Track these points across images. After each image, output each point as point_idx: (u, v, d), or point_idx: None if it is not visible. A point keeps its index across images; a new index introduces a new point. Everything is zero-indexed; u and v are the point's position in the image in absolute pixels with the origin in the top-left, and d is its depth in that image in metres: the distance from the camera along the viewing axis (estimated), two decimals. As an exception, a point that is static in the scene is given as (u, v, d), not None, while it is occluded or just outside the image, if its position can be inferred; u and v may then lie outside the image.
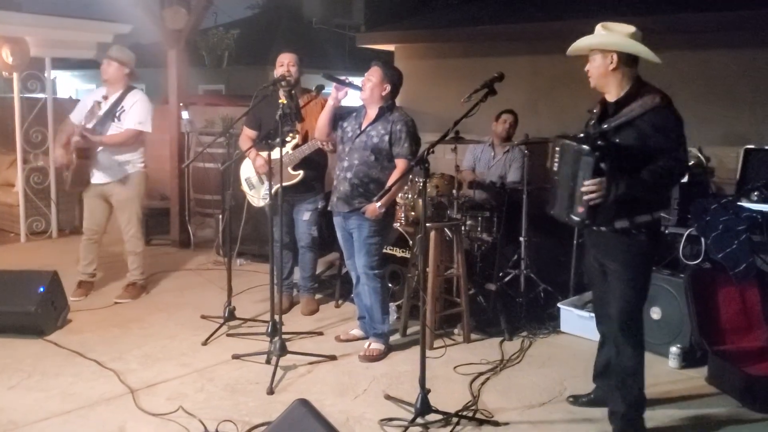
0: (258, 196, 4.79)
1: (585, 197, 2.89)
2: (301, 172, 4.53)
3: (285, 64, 4.57)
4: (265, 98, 4.42)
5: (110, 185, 4.98)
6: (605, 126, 3.02)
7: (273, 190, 4.11)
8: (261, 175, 4.70)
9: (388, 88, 3.98)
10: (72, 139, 4.83)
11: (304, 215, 4.72)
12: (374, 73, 3.95)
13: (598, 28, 3.04)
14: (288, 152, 4.50)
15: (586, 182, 2.88)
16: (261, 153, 4.59)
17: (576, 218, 3.01)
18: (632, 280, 3.04)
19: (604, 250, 3.13)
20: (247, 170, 4.80)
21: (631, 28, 2.99)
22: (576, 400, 3.51)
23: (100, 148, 4.90)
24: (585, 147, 2.90)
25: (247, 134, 4.79)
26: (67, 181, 5.07)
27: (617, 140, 2.96)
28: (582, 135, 3.02)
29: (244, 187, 4.85)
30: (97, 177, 4.98)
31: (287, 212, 4.65)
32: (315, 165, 4.63)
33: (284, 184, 4.49)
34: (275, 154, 4.21)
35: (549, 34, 7.58)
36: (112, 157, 4.93)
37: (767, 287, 4.02)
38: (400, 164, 3.93)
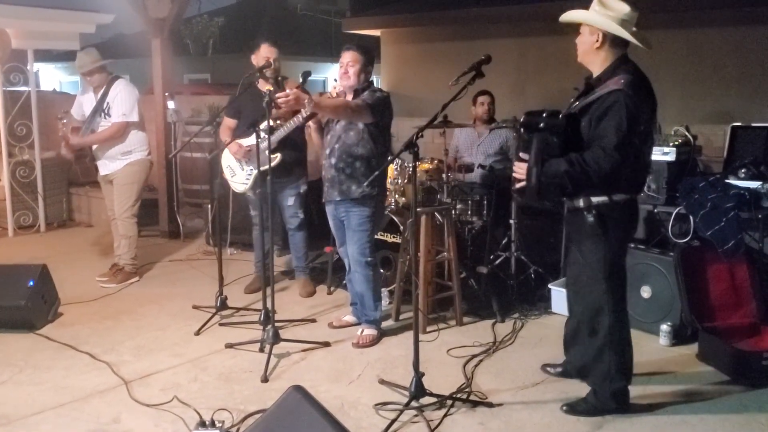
0: (239, 181, 4.82)
1: (514, 175, 3.07)
2: (278, 155, 4.53)
3: (271, 60, 4.54)
4: (248, 87, 4.44)
5: (114, 173, 5.18)
6: (574, 105, 3.05)
7: (258, 173, 4.15)
8: (239, 160, 4.75)
9: (370, 69, 3.97)
10: (69, 140, 5.16)
11: (289, 200, 4.82)
12: (355, 58, 3.90)
13: (595, 2, 3.02)
14: (265, 137, 4.51)
15: (514, 165, 3.07)
16: (242, 140, 4.63)
17: (514, 194, 3.21)
18: (588, 259, 3.11)
19: (569, 228, 3.25)
20: (228, 157, 4.84)
21: (626, 8, 2.97)
22: (549, 368, 3.65)
23: (95, 146, 5.16)
24: (522, 130, 3.05)
25: (227, 124, 4.86)
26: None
27: (580, 121, 2.98)
28: (535, 114, 3.02)
29: (226, 174, 4.89)
30: (103, 169, 5.23)
31: (264, 195, 4.72)
32: (292, 147, 4.64)
33: (263, 168, 4.53)
34: (251, 140, 4.40)
35: (536, 15, 7.57)
36: (111, 150, 5.12)
37: (755, 263, 4.06)
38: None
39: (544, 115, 2.97)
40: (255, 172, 4.67)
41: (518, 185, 3.06)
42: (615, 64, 3.00)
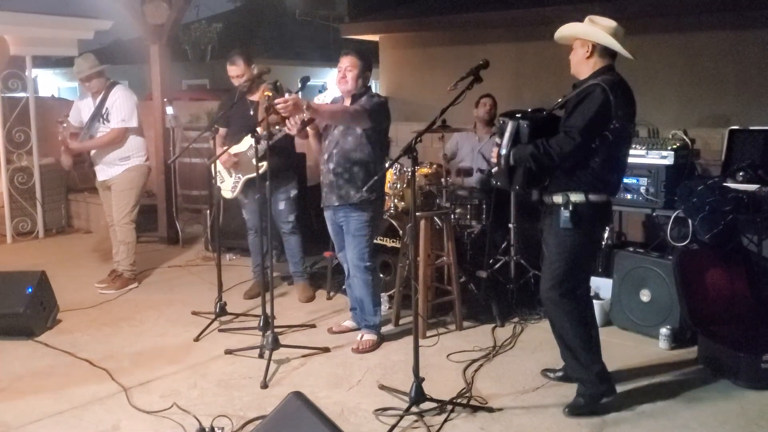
0: (227, 188, 4.88)
1: (491, 159, 3.27)
2: (264, 163, 4.53)
3: (234, 77, 4.68)
4: (231, 96, 4.51)
5: (112, 178, 5.18)
6: (557, 103, 3.19)
7: (245, 179, 4.17)
8: (228, 168, 4.80)
9: (368, 74, 3.98)
10: (68, 144, 5.17)
11: (280, 205, 4.82)
12: (353, 63, 3.90)
13: (586, 20, 3.20)
14: (251, 145, 4.52)
15: (493, 150, 3.26)
16: (231, 148, 4.71)
17: (492, 178, 3.37)
18: (558, 253, 3.19)
19: (544, 225, 3.33)
20: (219, 164, 4.85)
21: (613, 24, 3.15)
22: (549, 373, 3.66)
23: (93, 151, 5.16)
24: (500, 118, 3.23)
25: (220, 133, 4.89)
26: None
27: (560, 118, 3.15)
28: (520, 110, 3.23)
29: (217, 180, 4.92)
30: (101, 174, 5.23)
31: (263, 201, 4.75)
32: (279, 151, 4.64)
33: (249, 176, 4.59)
34: (239, 147, 4.56)
35: (533, 20, 7.60)
36: (109, 156, 5.12)
37: (754, 266, 4.06)
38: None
39: (529, 110, 3.18)
40: (243, 178, 4.71)
41: (494, 169, 3.26)
42: (601, 70, 3.14)
